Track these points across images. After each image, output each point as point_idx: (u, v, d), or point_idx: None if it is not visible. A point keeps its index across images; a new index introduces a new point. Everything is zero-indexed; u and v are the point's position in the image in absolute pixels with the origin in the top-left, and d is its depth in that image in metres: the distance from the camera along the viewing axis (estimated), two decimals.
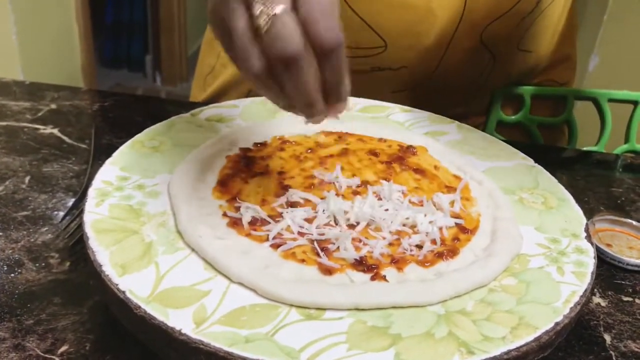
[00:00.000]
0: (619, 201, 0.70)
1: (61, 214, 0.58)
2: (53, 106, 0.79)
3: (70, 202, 0.60)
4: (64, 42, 2.23)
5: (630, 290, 0.56)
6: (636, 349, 0.49)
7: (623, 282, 0.57)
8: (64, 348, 0.44)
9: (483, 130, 0.83)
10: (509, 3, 0.71)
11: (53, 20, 2.14)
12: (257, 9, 0.38)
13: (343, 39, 0.39)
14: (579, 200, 0.56)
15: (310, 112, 0.43)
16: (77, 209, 0.58)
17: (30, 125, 0.74)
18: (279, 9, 0.38)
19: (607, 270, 0.58)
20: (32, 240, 0.55)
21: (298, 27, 0.38)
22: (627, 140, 0.85)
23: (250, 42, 0.39)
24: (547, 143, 0.85)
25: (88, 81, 2.35)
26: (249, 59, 0.40)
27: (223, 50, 0.44)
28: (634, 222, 0.63)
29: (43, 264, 0.52)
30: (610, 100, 0.84)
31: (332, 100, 0.43)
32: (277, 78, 0.41)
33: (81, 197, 0.60)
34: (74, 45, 2.28)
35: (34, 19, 2.02)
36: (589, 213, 0.64)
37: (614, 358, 0.48)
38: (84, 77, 2.34)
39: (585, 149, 0.85)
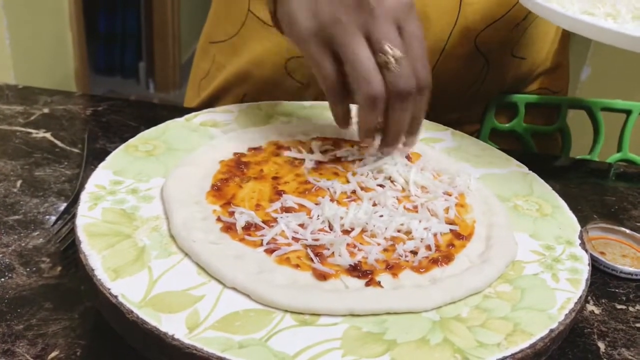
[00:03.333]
0: (612, 209, 0.70)
1: (53, 218, 0.58)
2: (46, 110, 0.78)
3: (62, 206, 0.59)
4: (57, 49, 2.22)
5: (624, 298, 0.56)
6: (630, 357, 0.49)
7: (617, 290, 0.57)
8: (54, 354, 0.44)
9: (477, 138, 0.83)
10: (502, 9, 0.71)
11: (47, 26, 2.13)
12: (387, 48, 0.48)
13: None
14: (572, 209, 0.56)
15: (395, 141, 0.54)
16: (69, 214, 0.58)
17: (22, 129, 0.73)
18: (400, 52, 0.48)
19: (601, 278, 0.58)
20: (23, 244, 0.54)
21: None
22: (619, 149, 0.86)
23: (376, 71, 0.49)
24: (541, 151, 0.86)
25: (81, 88, 2.34)
26: (374, 83, 0.49)
27: (314, 68, 0.51)
28: (627, 231, 0.63)
29: (34, 269, 0.51)
30: (604, 109, 0.84)
31: (410, 131, 0.54)
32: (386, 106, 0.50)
33: (73, 202, 0.59)
34: (68, 51, 2.28)
35: (28, 25, 2.01)
36: (583, 221, 0.63)
37: None
38: (77, 83, 2.33)
39: (578, 157, 0.85)
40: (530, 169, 0.61)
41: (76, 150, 0.70)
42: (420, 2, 0.68)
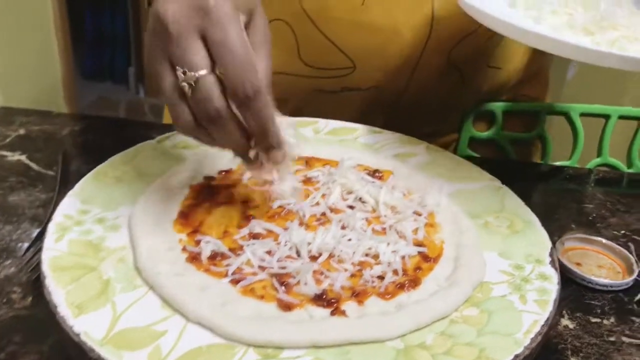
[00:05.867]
0: (590, 217, 0.70)
1: (25, 245, 0.58)
2: (21, 131, 0.78)
3: (35, 233, 0.59)
4: (43, 55, 2.21)
5: (599, 311, 0.56)
6: None
7: (592, 302, 0.57)
8: None
9: (455, 148, 0.83)
10: (475, 22, 0.71)
11: (31, 33, 2.12)
12: (180, 73, 0.42)
13: (260, 87, 0.43)
14: (550, 218, 0.55)
15: (245, 159, 0.48)
16: (41, 241, 0.57)
17: None
18: (199, 72, 0.42)
19: (577, 291, 0.58)
20: None
21: (218, 86, 0.43)
22: (599, 154, 0.86)
23: (177, 100, 0.44)
24: (521, 158, 0.85)
25: (68, 95, 2.33)
26: (179, 116, 0.44)
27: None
28: (604, 240, 0.63)
29: (4, 300, 0.51)
30: (582, 114, 0.84)
31: (262, 146, 0.47)
32: (205, 130, 0.45)
33: (45, 229, 0.59)
34: (54, 59, 2.26)
35: (13, 34, 2.00)
36: (560, 231, 0.64)
37: None
38: (64, 90, 2.32)
39: (558, 163, 0.85)
40: (509, 177, 0.61)
41: (51, 173, 0.69)
42: (391, 19, 0.68)
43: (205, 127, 0.44)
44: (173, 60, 0.43)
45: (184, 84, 0.42)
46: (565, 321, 0.54)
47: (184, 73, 0.42)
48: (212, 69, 0.42)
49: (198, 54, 0.42)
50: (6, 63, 1.98)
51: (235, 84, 0.42)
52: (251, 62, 0.43)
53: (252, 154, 0.48)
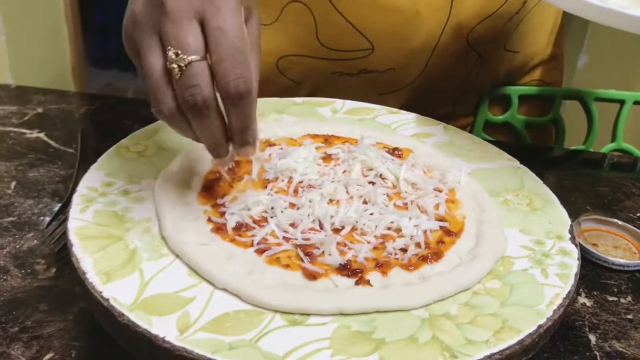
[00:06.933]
0: (605, 200, 0.70)
1: (47, 219, 0.58)
2: (39, 110, 0.78)
3: (57, 207, 0.60)
4: (53, 44, 2.22)
5: (616, 290, 0.56)
6: (621, 349, 0.50)
7: (609, 281, 0.57)
8: (49, 355, 0.44)
9: (471, 131, 0.84)
10: (495, 4, 0.71)
11: (42, 21, 2.13)
12: (171, 54, 0.40)
13: (252, 87, 0.41)
14: (565, 200, 0.56)
15: (215, 153, 0.46)
16: (63, 215, 0.58)
17: (16, 129, 0.73)
18: (192, 57, 0.40)
19: (593, 270, 0.59)
20: (18, 246, 0.55)
21: (209, 76, 0.40)
22: (613, 139, 0.86)
23: (164, 84, 0.41)
24: (535, 143, 0.86)
25: (78, 82, 2.34)
26: (161, 100, 0.41)
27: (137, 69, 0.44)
28: (619, 222, 0.64)
29: (29, 271, 0.52)
30: (597, 99, 0.84)
31: (236, 143, 0.45)
32: (185, 118, 0.42)
33: (67, 203, 0.59)
34: (64, 46, 2.27)
35: (23, 21, 2.00)
36: (576, 213, 0.64)
37: (598, 358, 0.48)
38: (73, 78, 2.33)
39: (572, 148, 0.85)
40: (524, 161, 0.61)
41: (70, 150, 0.70)
42: (411, 0, 0.68)
43: (186, 116, 0.42)
44: (164, 40, 0.40)
45: (174, 66, 0.40)
46: (582, 299, 0.55)
47: (176, 55, 0.40)
48: (205, 57, 0.40)
49: (194, 37, 0.40)
50: (17, 51, 1.98)
51: (227, 77, 0.40)
52: (247, 57, 0.40)
53: (229, 152, 0.46)
